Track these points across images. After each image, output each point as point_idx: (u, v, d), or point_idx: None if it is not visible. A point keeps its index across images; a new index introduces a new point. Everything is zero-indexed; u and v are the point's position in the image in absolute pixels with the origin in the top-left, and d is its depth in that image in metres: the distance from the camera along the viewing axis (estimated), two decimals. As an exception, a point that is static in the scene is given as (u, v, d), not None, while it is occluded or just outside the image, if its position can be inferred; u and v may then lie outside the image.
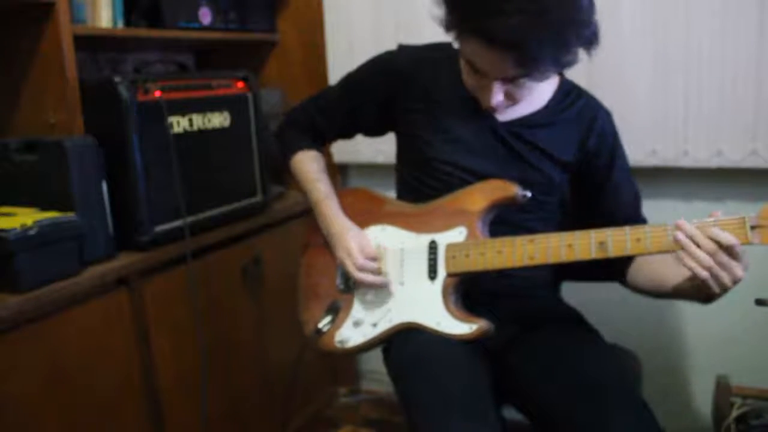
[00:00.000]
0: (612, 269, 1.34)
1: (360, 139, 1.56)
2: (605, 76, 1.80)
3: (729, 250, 1.04)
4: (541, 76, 1.16)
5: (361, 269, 1.32)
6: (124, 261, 1.53)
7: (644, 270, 1.30)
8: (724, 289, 1.08)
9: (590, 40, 1.12)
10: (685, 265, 1.07)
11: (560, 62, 1.13)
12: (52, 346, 1.36)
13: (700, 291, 1.12)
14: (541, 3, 1.04)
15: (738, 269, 1.06)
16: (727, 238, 1.04)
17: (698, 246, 1.05)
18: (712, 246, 1.04)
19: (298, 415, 2.13)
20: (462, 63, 1.23)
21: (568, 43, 1.10)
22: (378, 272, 1.33)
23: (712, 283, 1.06)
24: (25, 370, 1.31)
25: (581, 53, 1.14)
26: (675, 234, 1.07)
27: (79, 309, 1.42)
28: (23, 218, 1.34)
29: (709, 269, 1.05)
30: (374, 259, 1.34)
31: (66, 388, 1.39)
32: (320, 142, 1.55)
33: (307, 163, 1.49)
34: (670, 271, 1.20)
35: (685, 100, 1.80)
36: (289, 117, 1.56)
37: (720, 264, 1.05)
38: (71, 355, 1.40)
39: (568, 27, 1.07)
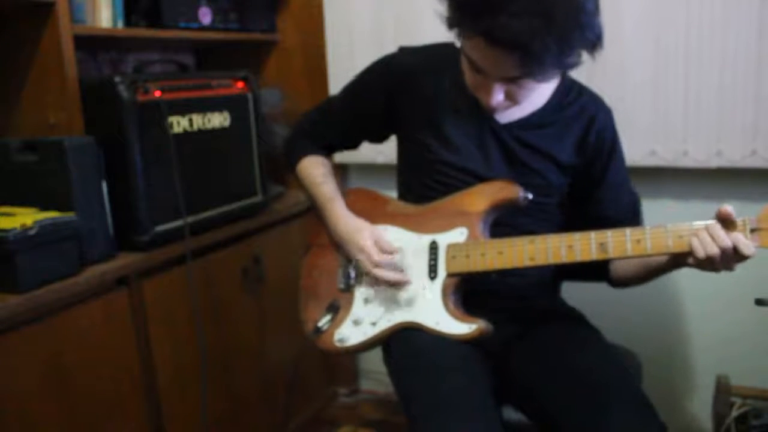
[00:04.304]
0: (596, 270, 1.36)
1: (360, 140, 1.56)
2: (605, 77, 1.80)
3: (740, 254, 1.07)
4: (543, 78, 1.15)
5: (378, 266, 1.31)
6: (124, 261, 1.53)
7: (628, 262, 1.31)
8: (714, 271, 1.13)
9: (594, 42, 1.11)
10: (692, 250, 1.10)
11: (563, 64, 1.13)
12: (52, 346, 1.36)
13: (678, 263, 1.16)
14: (546, 4, 1.04)
15: (735, 265, 1.10)
16: (748, 247, 1.06)
17: (713, 239, 1.08)
18: (728, 244, 1.07)
19: (298, 415, 2.13)
20: (463, 61, 1.23)
21: (571, 45, 1.09)
22: (397, 267, 1.32)
23: (708, 266, 1.11)
24: (24, 370, 1.31)
25: (584, 55, 1.14)
26: (696, 230, 1.10)
27: (79, 309, 1.42)
28: (23, 218, 1.34)
29: (710, 258, 1.08)
30: (391, 253, 1.33)
31: (66, 388, 1.39)
32: (326, 151, 1.54)
33: (312, 168, 1.49)
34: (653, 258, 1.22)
35: (684, 100, 1.80)
36: (295, 128, 1.56)
37: (724, 259, 1.09)
38: (71, 355, 1.40)
39: (572, 29, 1.06)
